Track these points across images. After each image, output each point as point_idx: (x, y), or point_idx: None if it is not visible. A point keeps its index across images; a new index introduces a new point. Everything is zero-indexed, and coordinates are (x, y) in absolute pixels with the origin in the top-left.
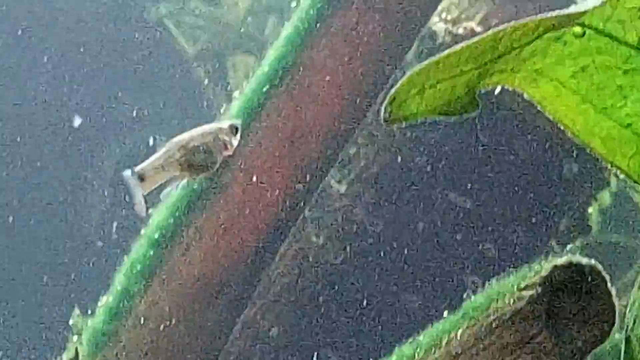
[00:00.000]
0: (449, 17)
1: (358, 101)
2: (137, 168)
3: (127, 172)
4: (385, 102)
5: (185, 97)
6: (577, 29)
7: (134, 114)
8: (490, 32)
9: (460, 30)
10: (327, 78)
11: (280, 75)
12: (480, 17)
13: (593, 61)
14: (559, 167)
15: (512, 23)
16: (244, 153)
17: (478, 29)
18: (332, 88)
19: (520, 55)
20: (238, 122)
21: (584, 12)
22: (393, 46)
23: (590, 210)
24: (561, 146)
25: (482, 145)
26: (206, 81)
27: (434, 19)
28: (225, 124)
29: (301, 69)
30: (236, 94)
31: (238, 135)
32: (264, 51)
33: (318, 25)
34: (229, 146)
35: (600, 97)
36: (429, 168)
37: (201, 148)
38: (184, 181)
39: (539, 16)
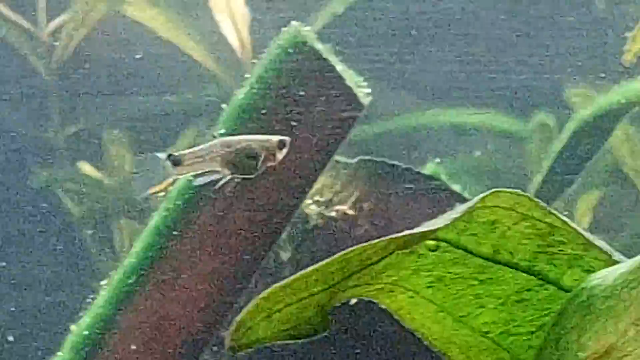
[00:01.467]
0: (322, 200)
1: (225, 293)
2: (176, 152)
3: (163, 155)
4: (230, 330)
5: (72, 260)
6: (431, 243)
7: (20, 277)
8: (338, 254)
9: (333, 214)
10: (194, 270)
11: (147, 266)
12: (353, 200)
13: (449, 272)
14: None
15: (360, 245)
16: (110, 343)
17: (350, 212)
18: (198, 280)
19: (373, 270)
20: (287, 139)
21: (435, 230)
22: (261, 235)
23: None
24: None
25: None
26: (92, 245)
27: (307, 201)
28: (275, 138)
29: (168, 260)
30: (103, 282)
31: (285, 150)
32: (145, 217)
33: (185, 216)
34: (273, 158)
35: (457, 306)
36: None
37: (246, 151)
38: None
39: (389, 236)
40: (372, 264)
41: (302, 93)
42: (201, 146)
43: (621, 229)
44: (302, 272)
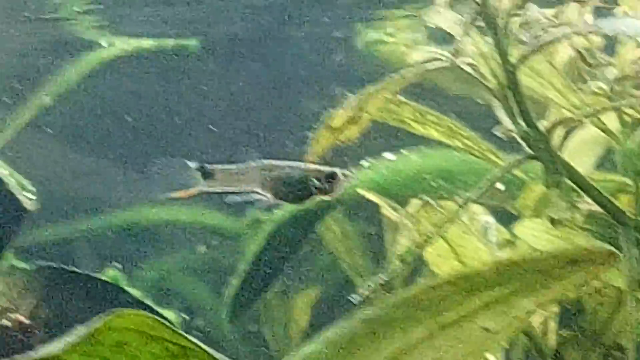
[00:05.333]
0: None
1: None
2: (209, 165)
3: (193, 164)
4: None
5: None
6: None
7: None
8: None
9: (8, 323)
10: None
11: None
12: (30, 308)
13: None
14: None
15: None
16: None
17: (26, 321)
18: None
19: None
20: (338, 171)
21: (55, 355)
22: None
23: None
24: None
25: None
26: None
27: None
28: (325, 168)
29: None
30: None
31: (337, 186)
32: None
33: None
34: (329, 190)
35: None
36: None
37: (294, 178)
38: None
39: None
40: None
41: None
42: (237, 165)
43: None
44: None
